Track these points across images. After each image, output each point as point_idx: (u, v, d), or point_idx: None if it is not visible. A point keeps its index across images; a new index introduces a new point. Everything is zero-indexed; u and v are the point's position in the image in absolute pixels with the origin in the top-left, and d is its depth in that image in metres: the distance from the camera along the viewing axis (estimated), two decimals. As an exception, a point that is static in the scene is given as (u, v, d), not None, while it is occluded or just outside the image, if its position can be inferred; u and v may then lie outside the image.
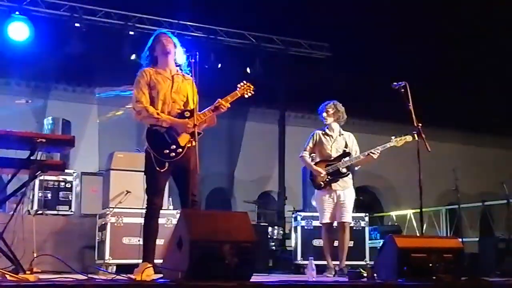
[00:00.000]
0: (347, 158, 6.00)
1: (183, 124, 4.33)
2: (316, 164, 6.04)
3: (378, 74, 10.76)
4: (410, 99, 5.11)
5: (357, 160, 5.95)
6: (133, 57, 9.61)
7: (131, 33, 9.93)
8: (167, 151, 4.30)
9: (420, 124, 5.18)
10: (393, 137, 5.89)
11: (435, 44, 11.08)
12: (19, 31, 9.09)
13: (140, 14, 10.04)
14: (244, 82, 4.58)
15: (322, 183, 5.96)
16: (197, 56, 4.40)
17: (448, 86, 12.07)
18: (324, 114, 6.09)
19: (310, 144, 6.11)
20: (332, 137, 6.09)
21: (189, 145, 4.31)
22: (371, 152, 5.88)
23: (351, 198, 6.03)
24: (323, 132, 6.13)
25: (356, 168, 6.22)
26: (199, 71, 4.45)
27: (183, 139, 4.33)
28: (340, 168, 5.96)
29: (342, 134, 6.14)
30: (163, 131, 4.34)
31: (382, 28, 10.48)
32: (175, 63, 4.58)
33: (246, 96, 4.55)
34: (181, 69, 4.59)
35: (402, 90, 5.18)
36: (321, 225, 6.13)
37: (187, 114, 4.39)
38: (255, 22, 10.70)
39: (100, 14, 9.79)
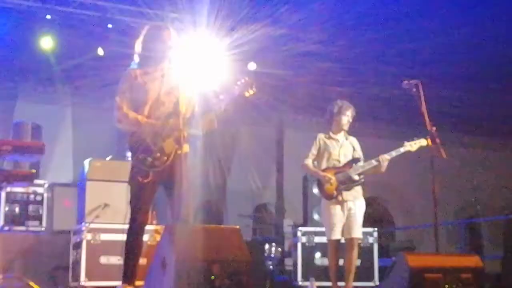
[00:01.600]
0: (359, 164, 5.94)
1: (166, 127, 4.31)
2: (322, 171, 5.96)
3: (387, 72, 10.80)
4: (423, 100, 5.12)
5: (370, 166, 5.89)
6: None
7: (110, 26, 9.93)
8: (151, 159, 4.29)
9: (435, 128, 5.19)
10: (406, 142, 5.87)
11: (453, 40, 11.12)
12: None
13: (120, 5, 10.04)
14: (245, 78, 4.44)
15: (334, 192, 5.85)
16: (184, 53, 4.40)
17: (467, 86, 12.11)
18: (345, 119, 5.99)
19: (313, 150, 6.03)
20: (339, 142, 6.04)
21: (179, 151, 4.21)
22: (380, 158, 5.83)
23: (362, 211, 5.96)
24: (327, 136, 6.07)
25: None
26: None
27: (169, 146, 4.31)
28: (352, 175, 5.89)
29: (348, 138, 6.11)
30: (146, 137, 4.33)
31: (390, 20, 10.50)
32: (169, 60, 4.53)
33: (247, 94, 4.41)
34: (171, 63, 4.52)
35: (414, 89, 5.19)
36: (327, 241, 6.01)
37: (174, 116, 4.36)
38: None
39: (75, 4, 9.79)
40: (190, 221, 4.32)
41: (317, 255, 7.11)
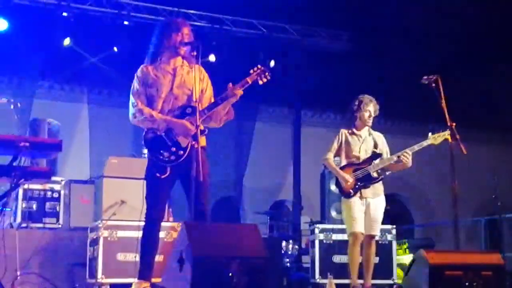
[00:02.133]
0: (377, 160, 5.85)
1: (180, 125, 4.32)
2: (341, 168, 5.90)
3: (407, 69, 10.73)
4: (443, 95, 5.09)
5: (389, 161, 5.81)
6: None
7: (126, 23, 9.98)
8: (167, 154, 4.31)
9: (454, 124, 5.16)
10: (430, 134, 5.77)
11: (473, 36, 11.01)
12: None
13: (135, 2, 10.09)
14: (258, 66, 4.45)
15: (351, 190, 5.79)
16: (200, 48, 4.40)
17: (487, 81, 12.00)
18: (366, 115, 5.89)
19: (335, 145, 5.94)
20: (361, 137, 5.95)
21: (196, 145, 4.19)
22: (404, 153, 5.70)
23: (382, 208, 5.91)
24: (350, 131, 5.97)
25: (387, 173, 6.10)
26: (202, 65, 4.47)
27: (185, 140, 4.33)
28: (371, 172, 5.81)
29: (371, 134, 6.01)
30: (162, 132, 4.35)
31: (410, 17, 10.43)
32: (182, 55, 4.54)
33: (260, 82, 4.41)
34: (185, 59, 4.54)
35: (434, 85, 5.16)
36: (349, 235, 5.89)
37: (189, 110, 4.38)
38: (265, 9, 10.69)
39: (91, 1, 9.85)
40: (209, 215, 4.34)
41: (335, 252, 7.07)
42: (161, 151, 4.32)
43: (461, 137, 5.19)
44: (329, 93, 12.04)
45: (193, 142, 4.24)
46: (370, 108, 5.92)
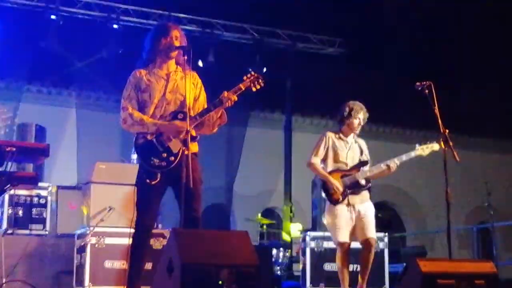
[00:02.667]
0: (366, 168, 5.84)
1: (171, 127, 4.31)
2: (329, 174, 5.84)
3: (399, 74, 10.77)
4: (436, 102, 5.10)
5: (378, 170, 5.80)
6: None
7: (115, 26, 9.96)
8: (158, 160, 4.29)
9: (448, 131, 5.17)
10: (417, 145, 5.82)
11: (464, 42, 11.09)
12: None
13: (125, 5, 10.08)
14: (252, 72, 4.48)
15: (340, 196, 5.76)
16: (191, 53, 4.39)
17: (478, 87, 12.08)
18: (356, 122, 5.83)
19: (322, 149, 5.85)
20: (348, 143, 5.92)
21: (186, 151, 4.15)
22: (390, 163, 5.78)
23: (372, 212, 5.85)
24: (337, 136, 5.92)
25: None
26: (193, 70, 4.47)
27: (176, 145, 4.31)
28: (360, 180, 5.80)
29: (357, 141, 6.00)
30: (152, 137, 4.33)
31: (403, 21, 10.49)
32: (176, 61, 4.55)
33: (253, 89, 4.42)
34: (179, 65, 4.54)
35: (427, 91, 5.16)
36: (335, 245, 5.87)
37: (180, 116, 4.35)
38: (257, 14, 10.72)
39: (80, 4, 9.83)
40: (200, 222, 4.32)
41: (326, 260, 7.06)
42: (152, 157, 4.30)
43: (454, 144, 5.20)
44: (321, 98, 12.07)
45: (184, 148, 4.22)
46: (360, 116, 5.88)
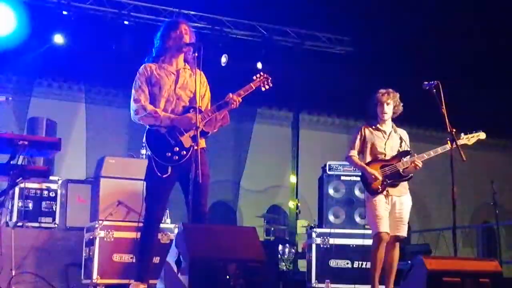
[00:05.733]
0: (407, 158, 5.60)
1: (185, 119, 4.33)
2: (367, 164, 5.62)
3: (407, 73, 10.73)
4: (443, 102, 5.09)
5: (429, 156, 5.55)
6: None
7: (126, 22, 9.99)
8: (170, 154, 4.32)
9: (455, 130, 5.16)
10: (462, 134, 5.59)
11: (473, 41, 11.03)
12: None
13: (136, 2, 10.10)
14: (261, 73, 4.60)
15: (379, 187, 5.51)
16: (201, 50, 4.42)
17: (486, 87, 12.02)
18: (386, 107, 5.62)
19: (357, 141, 5.67)
20: (386, 133, 5.71)
21: (196, 147, 4.21)
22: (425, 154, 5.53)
23: (409, 207, 5.65)
24: (374, 127, 5.71)
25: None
26: (203, 67, 4.49)
27: (188, 140, 4.34)
28: (401, 170, 5.57)
29: (396, 131, 5.79)
30: (164, 131, 4.36)
31: (413, 19, 10.44)
32: (184, 58, 4.59)
33: (263, 89, 4.56)
34: (187, 63, 4.59)
35: (434, 91, 5.16)
36: (373, 236, 5.54)
37: (192, 111, 4.39)
38: (266, 12, 10.71)
39: (91, 0, 9.85)
40: (207, 217, 4.34)
41: (332, 256, 7.08)
42: (164, 151, 4.32)
43: (461, 144, 5.20)
44: (329, 96, 12.05)
45: (193, 143, 4.25)
46: (389, 100, 5.68)
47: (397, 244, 5.58)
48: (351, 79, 10.94)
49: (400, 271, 5.62)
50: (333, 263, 7.06)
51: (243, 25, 10.85)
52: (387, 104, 5.66)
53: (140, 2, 10.13)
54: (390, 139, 5.70)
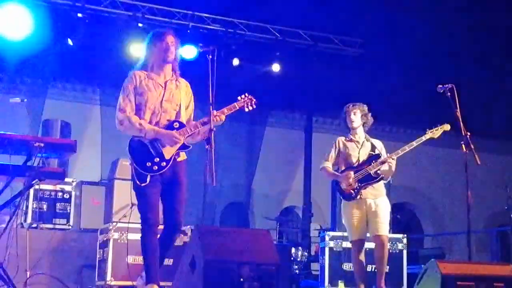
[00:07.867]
0: (379, 160, 5.79)
1: (169, 136, 4.40)
2: (341, 173, 5.88)
3: (419, 75, 10.70)
4: (458, 104, 5.09)
5: (383, 159, 5.76)
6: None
7: (140, 25, 10.03)
8: (150, 163, 4.36)
9: (469, 133, 5.15)
10: (427, 130, 5.78)
11: (488, 44, 10.98)
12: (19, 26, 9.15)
13: (150, 4, 10.14)
14: (246, 94, 4.70)
15: (352, 191, 5.74)
16: (215, 52, 4.44)
17: (501, 90, 11.96)
18: (353, 116, 5.96)
19: (332, 153, 5.98)
20: (359, 143, 5.97)
21: (178, 158, 4.42)
22: (393, 154, 5.72)
23: (386, 208, 5.80)
24: (347, 139, 6.01)
25: (390, 181, 6.08)
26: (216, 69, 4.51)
27: (169, 152, 4.41)
28: (372, 172, 5.78)
29: (369, 140, 6.01)
30: (147, 141, 4.40)
31: (425, 21, 10.42)
32: (172, 67, 4.64)
33: (246, 109, 4.67)
34: (175, 72, 4.64)
35: (449, 93, 5.15)
36: (350, 242, 5.88)
37: (176, 125, 4.48)
38: (279, 14, 10.71)
39: (105, 3, 9.91)
40: (181, 229, 4.43)
41: (345, 260, 7.07)
42: (144, 160, 4.37)
43: (474, 147, 5.18)
44: (341, 99, 12.01)
45: (175, 155, 4.39)
46: (356, 110, 5.99)
47: (382, 243, 5.69)
48: (364, 81, 10.92)
49: (413, 275, 5.62)
50: (346, 266, 7.06)
51: (256, 27, 10.86)
52: (354, 113, 5.98)
53: (154, 4, 10.16)
54: (363, 147, 5.97)
